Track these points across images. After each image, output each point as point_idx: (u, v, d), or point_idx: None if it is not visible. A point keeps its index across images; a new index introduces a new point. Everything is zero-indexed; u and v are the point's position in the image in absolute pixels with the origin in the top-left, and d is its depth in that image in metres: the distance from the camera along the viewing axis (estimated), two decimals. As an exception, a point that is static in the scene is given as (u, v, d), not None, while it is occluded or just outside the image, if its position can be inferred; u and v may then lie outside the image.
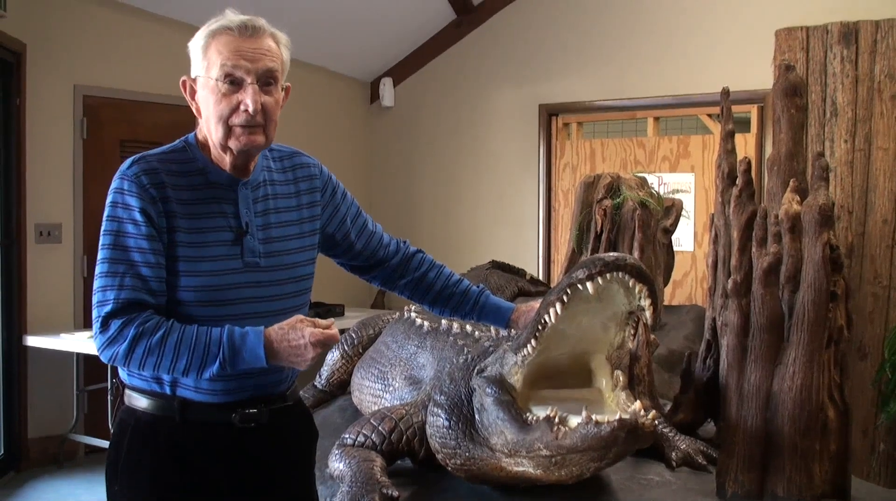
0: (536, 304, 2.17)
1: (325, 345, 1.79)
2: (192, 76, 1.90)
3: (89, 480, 5.32)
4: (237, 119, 1.84)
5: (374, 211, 7.41)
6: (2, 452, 5.40)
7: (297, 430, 2.06)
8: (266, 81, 1.86)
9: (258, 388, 1.92)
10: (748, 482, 2.21)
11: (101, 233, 1.83)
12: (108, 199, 1.84)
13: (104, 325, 1.78)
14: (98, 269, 1.82)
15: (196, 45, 1.89)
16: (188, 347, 1.77)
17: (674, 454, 2.51)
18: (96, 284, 1.81)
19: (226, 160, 1.90)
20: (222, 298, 1.85)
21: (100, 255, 1.82)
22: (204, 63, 1.85)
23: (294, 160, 2.07)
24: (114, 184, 1.84)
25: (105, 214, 1.84)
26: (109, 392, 5.32)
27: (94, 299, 1.81)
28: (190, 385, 1.86)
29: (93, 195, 5.85)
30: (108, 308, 1.78)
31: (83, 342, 5.22)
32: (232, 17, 1.89)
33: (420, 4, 6.85)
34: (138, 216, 1.80)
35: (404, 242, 2.31)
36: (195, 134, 1.95)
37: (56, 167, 5.67)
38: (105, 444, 5.41)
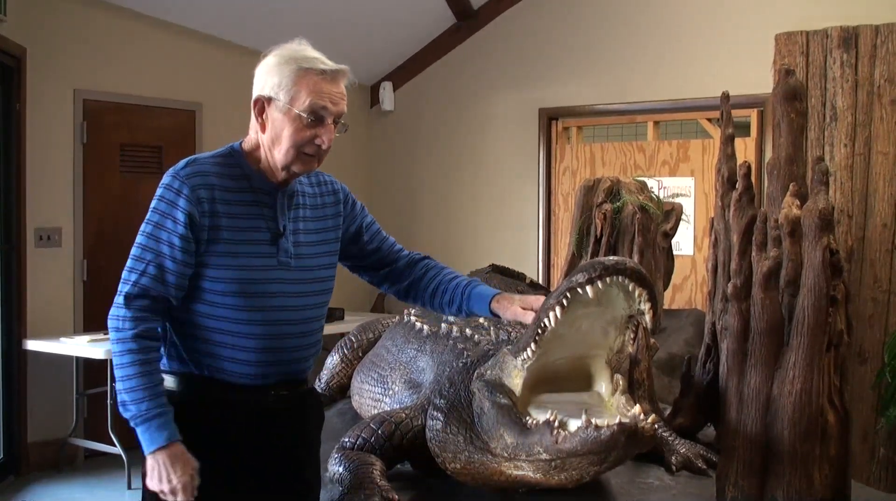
0: (524, 298, 2.22)
1: (173, 493, 1.97)
2: (266, 95, 2.08)
3: (89, 484, 5.32)
4: (309, 149, 2.09)
5: (375, 215, 7.36)
6: (2, 456, 5.40)
7: (313, 412, 2.29)
8: (336, 120, 2.12)
9: (288, 373, 2.15)
10: (748, 486, 2.21)
11: (145, 220, 2.06)
12: (158, 191, 2.06)
13: (121, 302, 2.02)
14: (132, 250, 2.05)
15: (281, 72, 2.07)
16: (130, 386, 1.98)
17: (673, 458, 2.51)
18: (128, 262, 2.05)
19: (277, 175, 2.12)
20: (258, 291, 2.07)
21: (137, 238, 2.06)
22: (289, 93, 2.06)
23: (319, 177, 2.31)
24: (166, 179, 2.06)
25: (152, 204, 2.06)
26: (109, 396, 5.32)
27: (123, 274, 2.04)
28: (228, 370, 2.08)
29: (93, 199, 5.86)
30: (127, 288, 2.02)
31: (83, 346, 5.23)
32: (313, 52, 2.11)
33: (420, 9, 6.85)
34: (180, 216, 2.02)
35: (417, 252, 2.48)
36: (241, 144, 2.17)
37: (56, 171, 5.68)
38: (105, 448, 5.42)
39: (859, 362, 4.48)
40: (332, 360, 3.44)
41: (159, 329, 2.06)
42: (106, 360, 5.19)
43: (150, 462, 1.97)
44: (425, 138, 7.43)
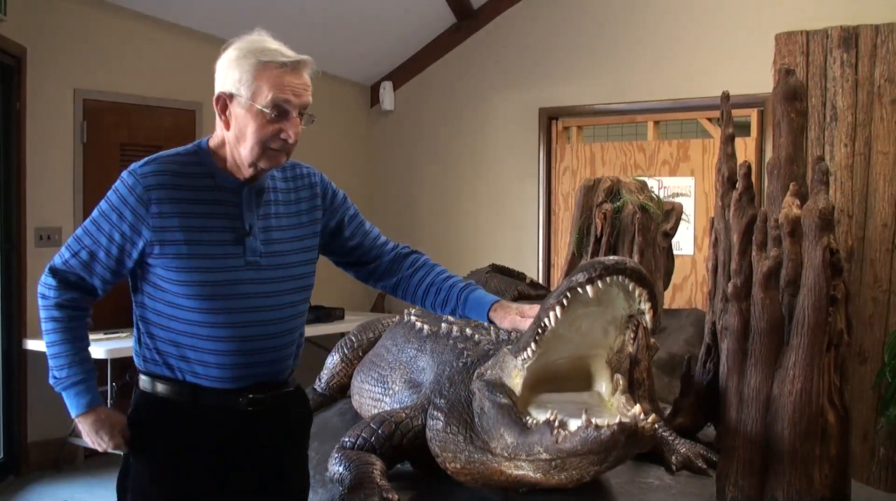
0: (521, 306, 2.23)
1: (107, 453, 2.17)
2: (227, 92, 2.03)
3: (89, 484, 5.32)
4: (275, 144, 2.03)
5: (375, 215, 7.41)
6: (2, 456, 5.40)
7: (297, 413, 2.26)
8: (302, 112, 2.05)
9: (264, 375, 2.11)
10: (748, 486, 2.21)
11: (97, 205, 2.07)
12: (115, 184, 2.05)
13: (47, 271, 2.09)
14: (78, 229, 2.09)
15: (241, 66, 2.01)
16: (54, 352, 2.08)
17: (674, 457, 2.50)
18: (70, 238, 2.09)
19: (244, 172, 2.07)
20: (225, 293, 2.03)
21: (86, 219, 2.08)
22: (251, 88, 2.00)
23: (295, 171, 2.23)
24: (123, 174, 2.04)
25: (107, 194, 2.06)
26: (110, 396, 5.31)
27: (62, 247, 2.10)
28: (200, 373, 2.05)
29: (93, 199, 5.81)
30: (56, 262, 2.09)
31: (83, 346, 5.21)
32: (273, 44, 2.04)
33: (420, 8, 6.85)
34: (127, 213, 2.01)
35: (404, 246, 2.42)
36: (207, 141, 2.13)
37: (56, 171, 5.68)
38: (105, 448, 5.41)
39: (859, 362, 4.48)
40: (332, 360, 3.44)
41: (85, 301, 2.11)
42: (106, 360, 5.19)
43: (78, 425, 2.11)
44: (425, 138, 7.43)
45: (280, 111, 2.00)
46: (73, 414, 2.08)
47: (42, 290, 2.09)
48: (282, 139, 2.02)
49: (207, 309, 2.02)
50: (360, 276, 2.42)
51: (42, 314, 2.09)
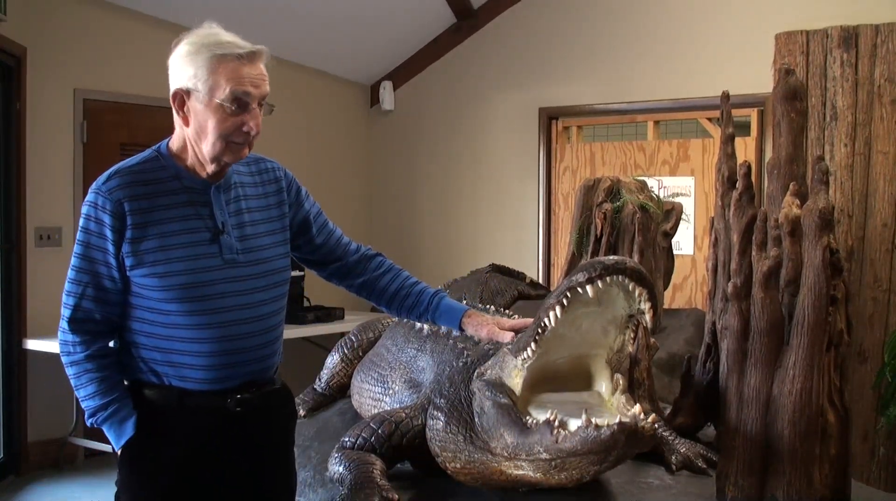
0: (498, 319, 2.27)
1: None
2: (183, 88, 2.01)
3: (89, 483, 5.32)
4: (238, 138, 2.01)
5: (374, 215, 7.41)
6: (2, 456, 5.39)
7: (283, 411, 2.25)
8: (261, 103, 2.03)
9: (250, 374, 2.09)
10: (748, 486, 2.21)
11: (76, 240, 2.03)
12: (84, 210, 2.01)
13: (66, 327, 2.03)
14: (69, 273, 2.03)
15: (195, 61, 1.99)
16: (95, 404, 2.04)
17: (674, 457, 2.50)
18: (66, 285, 2.03)
19: (207, 169, 2.05)
20: (206, 294, 2.00)
21: (72, 260, 2.03)
22: (207, 83, 1.97)
23: (260, 165, 2.22)
24: (89, 196, 2.01)
25: (80, 223, 2.01)
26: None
27: (63, 297, 2.04)
28: (187, 376, 2.03)
29: (93, 199, 5.85)
30: (68, 313, 2.02)
31: (83, 346, 5.21)
32: (227, 36, 2.02)
33: (420, 8, 6.86)
34: (109, 233, 1.97)
35: (368, 247, 2.44)
36: (167, 143, 2.10)
37: (56, 171, 5.68)
38: (105, 447, 5.41)
39: (859, 361, 4.48)
40: (332, 360, 3.44)
41: (111, 344, 2.07)
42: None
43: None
44: (425, 138, 7.43)
45: (240, 104, 1.97)
46: (117, 447, 2.07)
47: (65, 348, 2.04)
48: (244, 132, 2.00)
49: (189, 312, 1.99)
50: (322, 274, 2.42)
51: (72, 370, 2.05)
